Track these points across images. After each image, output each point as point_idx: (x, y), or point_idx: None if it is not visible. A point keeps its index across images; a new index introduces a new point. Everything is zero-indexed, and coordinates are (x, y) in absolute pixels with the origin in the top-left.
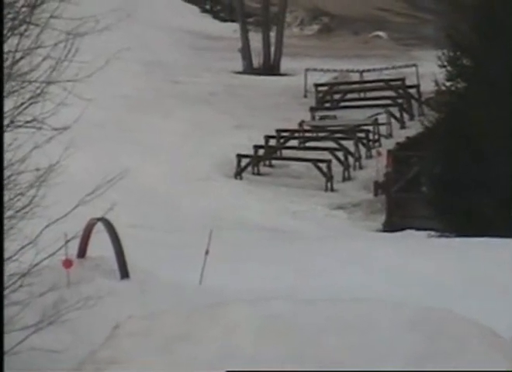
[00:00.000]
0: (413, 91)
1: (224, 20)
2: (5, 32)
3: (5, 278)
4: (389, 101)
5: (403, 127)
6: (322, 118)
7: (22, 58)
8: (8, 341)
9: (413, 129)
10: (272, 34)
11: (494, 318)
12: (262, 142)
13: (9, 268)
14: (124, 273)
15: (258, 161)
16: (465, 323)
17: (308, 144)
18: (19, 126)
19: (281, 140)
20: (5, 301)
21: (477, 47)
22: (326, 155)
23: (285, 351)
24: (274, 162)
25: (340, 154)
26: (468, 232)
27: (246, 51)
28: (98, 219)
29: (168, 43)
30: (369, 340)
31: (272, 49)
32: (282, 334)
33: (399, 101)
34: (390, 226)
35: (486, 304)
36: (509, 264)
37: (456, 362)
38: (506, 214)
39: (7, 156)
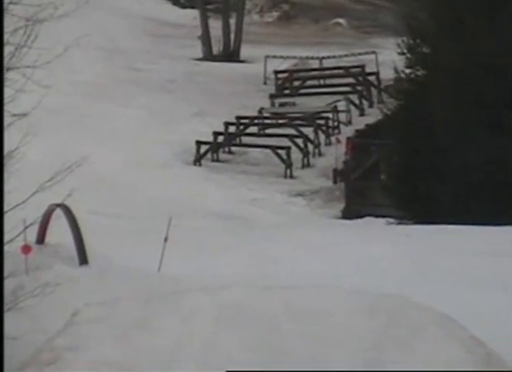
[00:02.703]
0: (372, 78)
1: (184, 7)
2: None
3: None
4: (348, 89)
5: (362, 114)
6: (281, 105)
7: None
8: None
9: (373, 116)
10: (232, 21)
11: (449, 304)
12: (222, 128)
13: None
14: (83, 260)
15: (218, 148)
16: (420, 310)
17: (267, 131)
18: None
19: (241, 127)
20: None
21: (436, 35)
22: (286, 142)
23: (243, 339)
24: (233, 149)
25: (299, 141)
26: (426, 220)
27: (205, 38)
28: (57, 205)
29: (128, 29)
30: (326, 327)
31: (232, 36)
32: (240, 322)
33: (359, 88)
34: (349, 214)
35: (442, 290)
36: (465, 251)
37: (412, 348)
38: (462, 202)
39: None
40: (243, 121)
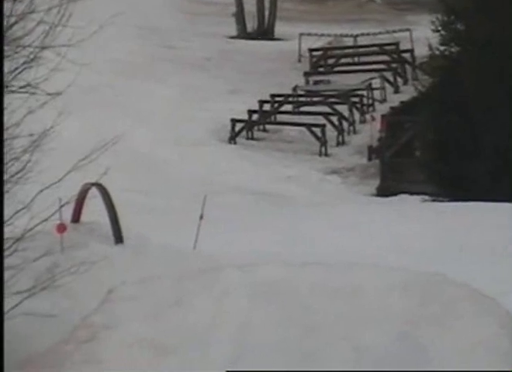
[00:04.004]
0: (407, 55)
1: None
2: None
3: None
4: (383, 66)
5: (396, 91)
6: (316, 82)
7: (15, 23)
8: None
9: (407, 93)
10: None
11: (485, 281)
12: (256, 106)
13: (4, 232)
14: (118, 239)
15: (252, 126)
16: (456, 287)
17: (302, 109)
18: (13, 91)
19: (276, 105)
20: None
21: (470, 11)
22: (321, 120)
23: (276, 317)
24: (268, 127)
25: (334, 119)
26: (461, 197)
27: (240, 16)
28: (93, 184)
29: (162, 7)
30: (359, 305)
31: (266, 13)
32: (274, 299)
33: (393, 65)
34: (384, 191)
35: (476, 267)
36: (501, 229)
37: (447, 325)
38: (498, 179)
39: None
40: (277, 99)
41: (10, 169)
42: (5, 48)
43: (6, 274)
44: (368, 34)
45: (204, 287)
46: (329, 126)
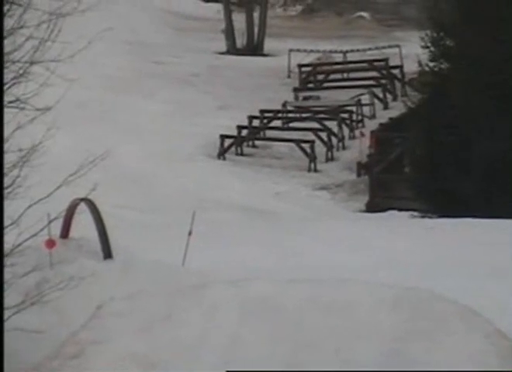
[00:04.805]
0: (396, 71)
1: (207, 0)
2: None
3: None
4: (372, 82)
5: (386, 108)
6: (305, 98)
7: (5, 38)
8: None
9: (396, 109)
10: (256, 15)
11: (474, 297)
12: (246, 122)
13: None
14: (107, 254)
15: (242, 141)
16: (445, 303)
17: (291, 125)
18: (2, 107)
19: (265, 121)
20: None
21: (459, 28)
22: (310, 135)
23: (267, 332)
24: (257, 142)
25: (323, 135)
26: (450, 213)
27: (229, 31)
28: (82, 199)
29: (151, 23)
30: (350, 320)
31: (256, 29)
32: (264, 315)
33: (383, 81)
34: (373, 207)
35: (466, 284)
36: (489, 243)
37: (437, 341)
38: (487, 195)
39: None
40: (267, 114)
41: None
42: None
43: None
44: (357, 50)
45: (194, 302)
46: (318, 142)
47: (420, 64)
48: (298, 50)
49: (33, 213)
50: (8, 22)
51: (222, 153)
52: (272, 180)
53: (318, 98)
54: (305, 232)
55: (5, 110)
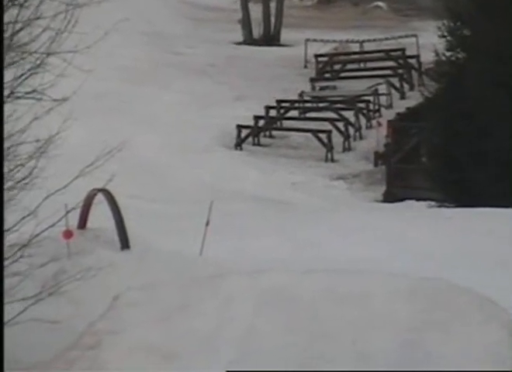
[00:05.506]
0: (413, 61)
1: None
2: (5, 2)
3: (6, 249)
4: (389, 72)
5: (402, 97)
6: (322, 88)
7: (21, 29)
8: (9, 312)
9: (413, 99)
10: (272, 5)
11: (490, 287)
12: (262, 112)
13: (9, 239)
14: (124, 244)
15: (258, 132)
16: (462, 293)
17: (308, 115)
18: (19, 97)
19: (282, 111)
20: (5, 272)
21: (476, 17)
22: (327, 125)
23: (282, 323)
24: (274, 133)
25: (340, 125)
26: (468, 203)
27: (246, 22)
28: (99, 190)
29: (167, 13)
30: (366, 311)
31: (272, 19)
32: (280, 306)
33: (400, 71)
34: (390, 197)
35: (482, 273)
36: (506, 234)
37: (453, 331)
38: (504, 185)
39: (6, 127)
40: (283, 105)
41: (16, 175)
42: (11, 54)
43: (13, 280)
44: (374, 40)
45: (210, 293)
46: (335, 132)
47: (436, 54)
48: (314, 40)
49: (51, 204)
50: (25, 13)
51: (238, 144)
52: (289, 170)
53: (335, 87)
54: (321, 222)
55: (22, 101)
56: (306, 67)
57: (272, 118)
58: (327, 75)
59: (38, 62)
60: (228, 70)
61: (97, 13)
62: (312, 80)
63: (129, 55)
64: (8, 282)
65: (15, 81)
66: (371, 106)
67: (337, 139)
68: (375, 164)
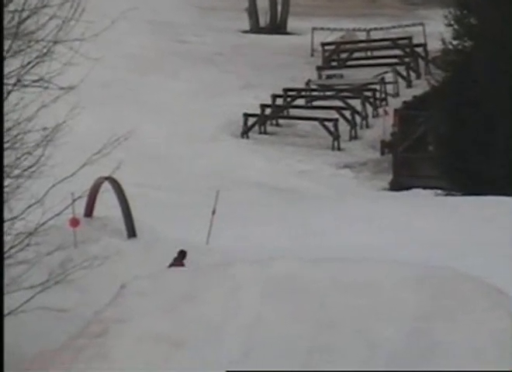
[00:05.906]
0: (419, 49)
1: None
2: None
3: (12, 237)
4: (395, 60)
5: (409, 86)
6: (329, 77)
7: (28, 17)
8: (16, 300)
9: (420, 87)
10: None
11: (496, 275)
12: (269, 101)
13: (16, 227)
14: (131, 233)
15: (265, 120)
16: (468, 281)
17: (315, 103)
18: (26, 86)
19: (288, 99)
20: (12, 261)
21: (483, 5)
22: (333, 114)
23: (289, 311)
24: (281, 121)
25: (346, 113)
26: (474, 191)
27: (252, 10)
28: (106, 178)
29: (174, 2)
30: (373, 300)
31: (279, 8)
32: (286, 294)
33: (406, 59)
34: (397, 185)
35: (489, 261)
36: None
37: (459, 319)
38: (510, 174)
39: (14, 115)
40: (290, 93)
41: (23, 163)
42: (18, 42)
43: (19, 269)
44: (380, 28)
45: (217, 281)
46: (341, 120)
47: (443, 42)
48: (321, 29)
49: (57, 192)
50: (32, 1)
51: (245, 132)
52: (296, 158)
53: (341, 76)
54: (328, 210)
55: (29, 89)
56: (312, 55)
57: (279, 106)
58: (334, 64)
59: (45, 50)
60: (235, 58)
61: (104, 1)
62: (318, 68)
63: (136, 43)
64: (15, 270)
65: (22, 69)
66: (377, 95)
67: (344, 127)
68: (382, 153)
